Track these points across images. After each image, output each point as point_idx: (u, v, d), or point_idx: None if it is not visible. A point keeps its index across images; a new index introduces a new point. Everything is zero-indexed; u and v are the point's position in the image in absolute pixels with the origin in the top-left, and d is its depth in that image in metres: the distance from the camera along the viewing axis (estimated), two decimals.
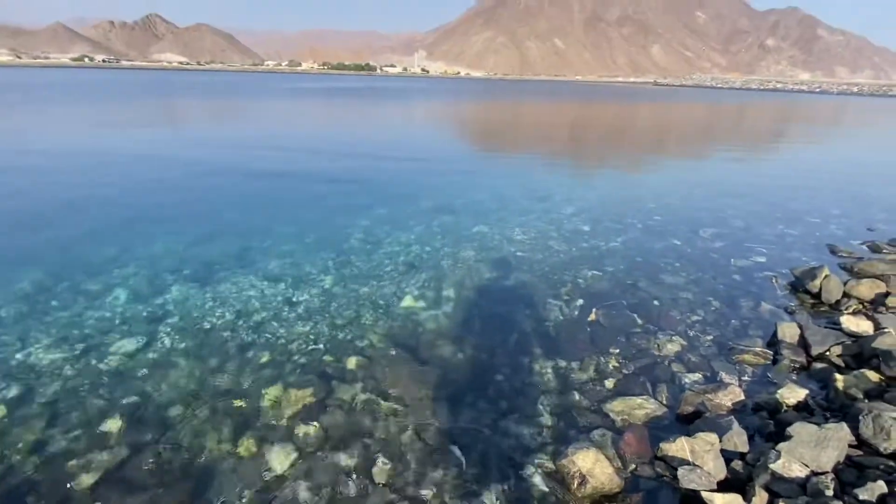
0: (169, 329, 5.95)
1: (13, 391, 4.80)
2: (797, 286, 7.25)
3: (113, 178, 14.00)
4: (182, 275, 7.48)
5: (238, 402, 4.59)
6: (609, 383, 4.96)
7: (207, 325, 6.04)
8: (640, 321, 6.28)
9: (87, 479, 3.74)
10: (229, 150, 19.77)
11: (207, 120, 33.25)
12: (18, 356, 5.37)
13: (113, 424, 4.34)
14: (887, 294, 6.62)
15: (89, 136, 22.66)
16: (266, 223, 10.03)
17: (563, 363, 5.30)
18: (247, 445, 4.03)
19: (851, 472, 3.35)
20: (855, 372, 4.63)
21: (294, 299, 6.77)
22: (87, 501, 3.56)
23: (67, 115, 31.48)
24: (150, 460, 3.92)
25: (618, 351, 5.57)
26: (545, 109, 52.45)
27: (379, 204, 11.60)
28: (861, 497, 3.06)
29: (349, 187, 13.50)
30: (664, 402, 4.62)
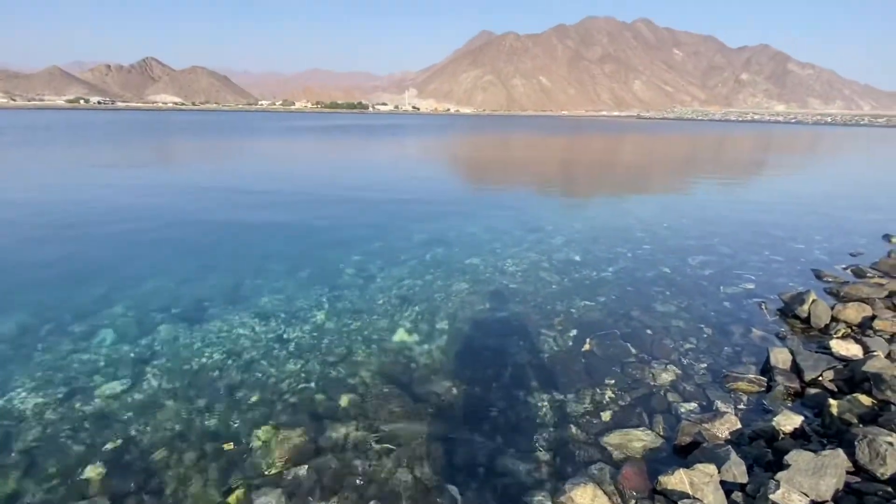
0: (156, 370, 5.83)
1: None
2: (786, 311, 7.32)
3: (100, 217, 13.98)
4: (171, 314, 7.38)
5: (226, 445, 4.46)
6: (605, 415, 4.91)
7: (196, 366, 5.93)
8: (633, 350, 6.27)
9: None
10: (220, 188, 19.92)
11: (198, 159, 33.61)
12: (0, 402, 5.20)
13: (93, 472, 4.18)
14: (873, 317, 6.71)
15: (76, 176, 22.74)
16: (257, 260, 10.01)
17: (558, 395, 5.25)
18: (235, 493, 3.89)
19: (851, 500, 3.31)
20: (848, 397, 4.64)
21: (285, 336, 6.69)
22: None
23: (52, 156, 31.66)
24: None
25: (613, 381, 5.54)
26: (533, 143, 53.83)
27: (371, 238, 11.66)
28: None
29: (341, 222, 13.59)
30: (661, 433, 4.57)
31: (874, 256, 10.39)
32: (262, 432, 4.62)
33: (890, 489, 3.36)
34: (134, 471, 4.18)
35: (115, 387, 5.44)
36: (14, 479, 4.12)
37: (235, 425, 4.77)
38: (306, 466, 4.14)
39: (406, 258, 10.11)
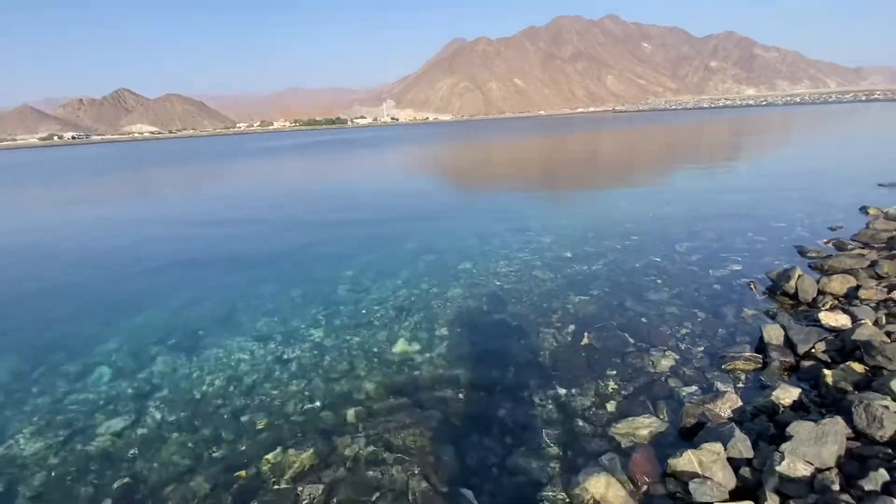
0: (157, 403, 5.77)
1: None
2: (774, 289, 7.51)
3: (84, 255, 13.78)
4: (166, 345, 7.31)
5: (237, 473, 4.44)
6: (610, 406, 4.98)
7: (198, 395, 5.89)
8: (631, 340, 6.38)
9: None
10: (200, 215, 19.76)
11: (177, 187, 33.29)
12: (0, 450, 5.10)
13: None
14: (858, 287, 6.91)
15: (52, 214, 22.39)
16: (247, 285, 9.95)
17: (562, 391, 5.31)
18: None
19: (853, 465, 3.41)
20: (841, 366, 4.78)
21: (285, 357, 6.67)
22: None
23: (25, 195, 31.14)
24: None
25: (614, 372, 5.62)
26: (514, 145, 54.32)
27: (362, 252, 11.67)
28: (867, 488, 3.12)
29: (330, 239, 13.58)
30: (666, 417, 4.66)
31: (853, 229, 10.69)
32: (272, 456, 4.60)
33: (889, 450, 3.48)
34: None
35: (118, 424, 5.37)
36: None
37: (244, 452, 4.74)
38: (321, 485, 4.13)
39: (398, 269, 10.13)
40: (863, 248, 9.07)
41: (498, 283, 8.97)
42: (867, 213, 12.31)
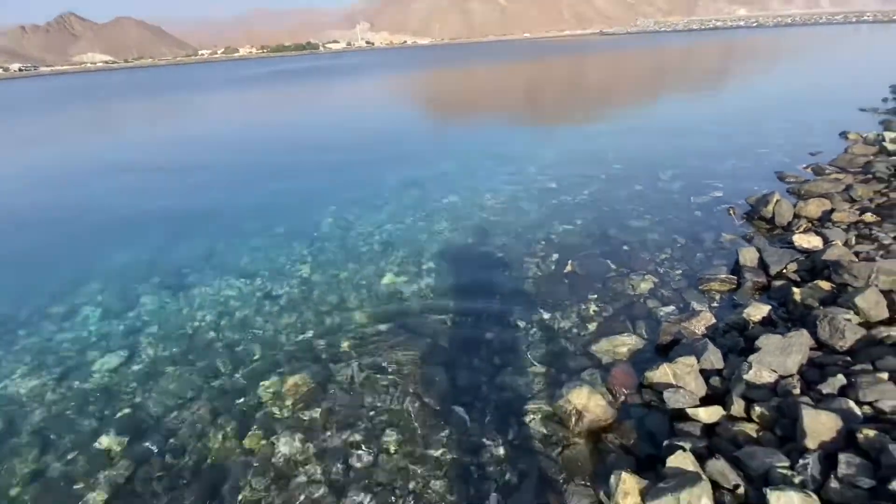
0: (150, 339, 5.82)
1: None
2: (752, 214, 7.69)
3: (56, 197, 13.19)
4: (151, 284, 7.25)
5: (237, 399, 4.61)
6: (591, 326, 5.23)
7: (189, 330, 5.95)
8: (613, 266, 6.56)
9: (97, 498, 3.71)
10: (177, 153, 18.84)
11: (145, 123, 31.39)
12: None
13: (110, 441, 4.29)
14: (832, 210, 7.12)
15: (21, 155, 21.09)
16: (230, 220, 9.76)
17: (546, 315, 5.53)
18: (254, 439, 4.08)
19: (814, 372, 3.71)
20: (810, 284, 5.04)
21: (273, 293, 6.70)
22: None
23: None
24: (158, 469, 3.93)
25: (596, 296, 5.84)
26: (497, 72, 51.92)
27: (345, 187, 11.43)
28: (824, 391, 3.42)
29: (312, 173, 13.20)
30: (644, 336, 4.93)
31: (832, 154, 10.80)
32: (270, 383, 4.77)
33: (848, 358, 3.77)
34: (150, 435, 4.30)
35: (112, 360, 5.45)
36: (32, 457, 4.20)
37: (241, 380, 4.90)
38: (318, 408, 4.34)
39: (383, 203, 10.00)
40: (839, 173, 9.24)
41: (483, 214, 8.97)
42: (847, 139, 12.39)
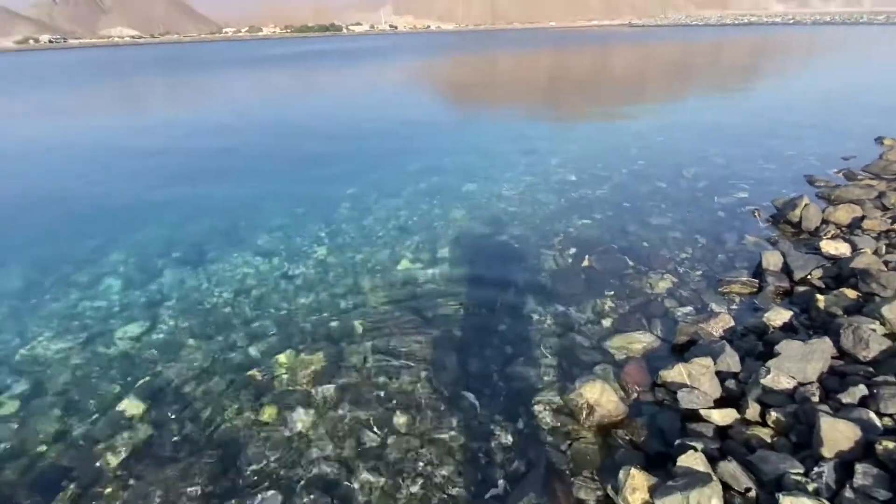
0: (170, 311, 5.97)
1: (22, 385, 4.84)
2: (778, 217, 7.50)
3: (81, 168, 13.51)
4: (172, 258, 7.41)
5: (252, 373, 4.71)
6: (606, 322, 5.19)
7: (208, 305, 6.08)
8: (631, 263, 6.48)
9: (115, 460, 3.86)
10: (202, 129, 19.06)
11: (174, 100, 31.79)
12: (22, 351, 5.36)
13: (131, 406, 4.44)
14: (863, 217, 6.90)
15: (47, 126, 21.57)
16: (250, 200, 9.87)
17: (561, 308, 5.50)
18: (268, 411, 4.18)
19: (835, 380, 3.63)
20: (835, 291, 4.92)
21: (290, 273, 6.79)
22: (121, 479, 3.69)
23: (15, 106, 29.77)
24: (175, 435, 4.06)
25: (612, 293, 5.79)
26: (522, 61, 51.12)
27: (364, 171, 11.45)
28: (844, 401, 3.35)
29: (332, 157, 13.24)
30: (660, 334, 4.88)
31: (866, 159, 10.43)
32: (285, 358, 4.86)
33: (871, 369, 3.68)
34: (169, 402, 4.44)
35: (134, 329, 5.61)
36: (55, 418, 4.37)
37: (257, 355, 5.00)
38: (332, 386, 4.42)
39: (401, 189, 10.01)
40: (873, 179, 8.93)
41: (501, 205, 8.91)
42: (882, 144, 11.95)
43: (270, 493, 3.44)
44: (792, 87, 24.32)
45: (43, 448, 4.06)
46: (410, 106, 22.80)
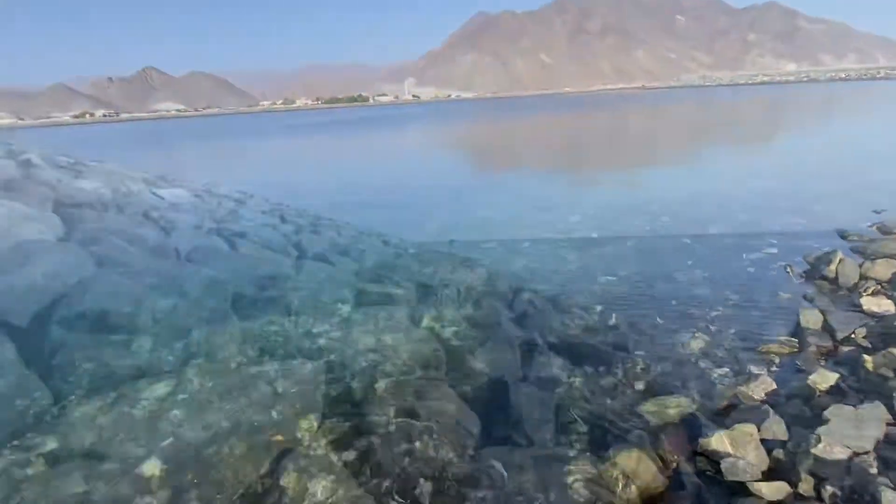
0: (196, 371, 6.02)
1: (51, 444, 4.86)
2: (812, 273, 7.26)
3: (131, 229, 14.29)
4: (199, 318, 7.58)
5: (274, 437, 4.63)
6: (639, 385, 4.98)
7: (233, 364, 6.12)
8: (660, 321, 6.31)
9: None
10: (231, 189, 20.16)
11: (203, 168, 33.99)
12: (54, 410, 5.44)
13: (152, 468, 4.39)
14: None
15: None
16: (273, 256, 10.17)
17: (590, 370, 5.32)
18: (289, 477, 4.06)
19: (892, 449, 3.34)
20: (883, 351, 4.63)
21: (314, 331, 6.84)
22: None
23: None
24: (194, 500, 3.96)
25: (643, 353, 5.59)
26: (538, 124, 53.22)
27: (385, 231, 11.77)
28: None
29: (353, 217, 13.70)
30: (696, 398, 4.63)
31: None
32: (306, 422, 4.78)
33: None
34: (190, 466, 4.37)
35: (161, 389, 5.65)
36: (80, 478, 4.34)
37: (279, 418, 4.94)
38: (354, 452, 4.29)
39: (422, 247, 10.19)
40: None
41: (523, 262, 8.95)
42: None
43: None
44: (815, 144, 24.38)
45: None
46: (432, 169, 23.73)
